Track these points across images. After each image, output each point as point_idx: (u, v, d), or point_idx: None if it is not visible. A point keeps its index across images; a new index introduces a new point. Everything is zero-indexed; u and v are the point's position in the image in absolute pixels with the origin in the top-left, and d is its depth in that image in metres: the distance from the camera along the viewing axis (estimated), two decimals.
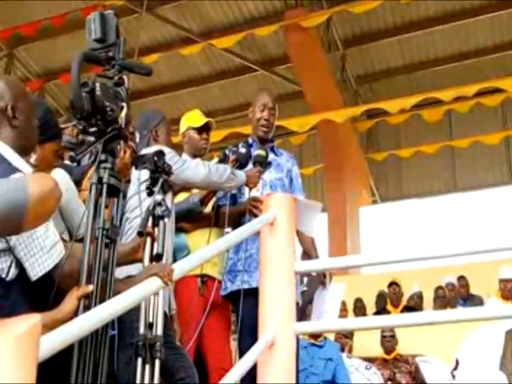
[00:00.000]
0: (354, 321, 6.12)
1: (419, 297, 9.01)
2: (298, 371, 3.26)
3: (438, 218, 14.33)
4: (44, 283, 1.97)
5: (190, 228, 3.85)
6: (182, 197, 3.83)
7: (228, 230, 3.66)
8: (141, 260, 2.46)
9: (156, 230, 2.51)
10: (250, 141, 3.98)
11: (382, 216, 14.96)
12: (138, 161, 2.76)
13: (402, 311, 8.39)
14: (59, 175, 2.62)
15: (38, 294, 1.98)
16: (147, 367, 2.42)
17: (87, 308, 1.94)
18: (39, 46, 13.67)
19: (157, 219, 2.52)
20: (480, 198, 14.17)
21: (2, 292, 1.87)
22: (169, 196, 3.08)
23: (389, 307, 8.72)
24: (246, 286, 3.55)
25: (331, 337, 6.57)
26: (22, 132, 2.12)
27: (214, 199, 3.89)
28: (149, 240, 2.50)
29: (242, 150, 3.84)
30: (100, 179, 2.09)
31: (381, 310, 8.77)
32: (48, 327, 1.72)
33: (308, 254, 3.90)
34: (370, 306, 9.15)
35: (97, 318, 1.86)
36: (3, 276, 1.88)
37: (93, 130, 2.09)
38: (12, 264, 1.92)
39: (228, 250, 3.63)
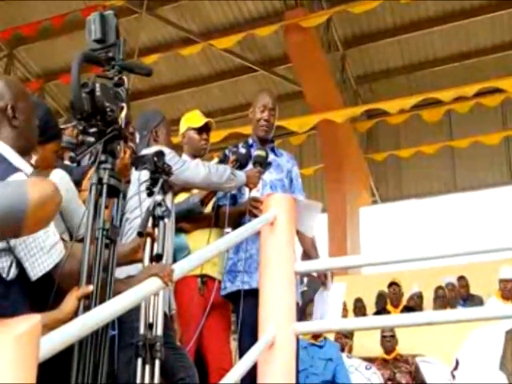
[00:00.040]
0: (354, 321, 6.12)
1: (419, 297, 9.02)
2: (297, 371, 3.26)
3: (438, 219, 14.32)
4: (44, 283, 1.97)
5: (190, 228, 3.85)
6: (182, 197, 3.83)
7: (228, 230, 3.66)
8: (141, 260, 2.46)
9: (156, 230, 2.51)
10: (250, 141, 3.98)
11: (381, 216, 14.95)
12: (138, 161, 2.76)
13: (402, 311, 8.39)
14: (59, 175, 2.62)
15: (38, 295, 1.98)
16: (147, 367, 2.42)
17: (87, 308, 1.94)
18: (39, 46, 13.68)
19: (157, 219, 2.52)
20: (480, 198, 14.17)
21: (3, 291, 1.87)
22: (169, 196, 3.08)
23: (389, 307, 8.72)
24: (246, 287, 3.55)
25: (331, 337, 6.57)
26: (22, 132, 2.12)
27: (214, 199, 3.89)
28: (149, 240, 2.51)
29: (242, 151, 3.84)
30: (100, 180, 2.10)
31: (381, 310, 8.77)
32: (48, 327, 1.72)
33: (308, 254, 3.91)
34: (370, 306, 9.15)
35: (97, 319, 1.87)
36: (4, 276, 1.88)
37: (93, 130, 2.09)
38: (12, 264, 1.92)
39: (228, 250, 3.63)
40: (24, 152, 2.13)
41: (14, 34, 12.71)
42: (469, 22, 12.52)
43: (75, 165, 2.26)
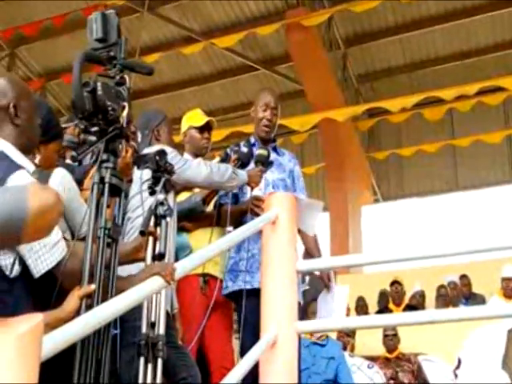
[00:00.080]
0: (356, 319, 6.11)
1: (421, 295, 9.01)
2: (299, 370, 3.26)
3: (440, 217, 14.31)
4: (46, 282, 1.97)
5: (192, 227, 3.85)
6: (183, 196, 3.83)
7: (229, 228, 3.66)
8: (143, 259, 2.46)
9: (158, 229, 2.51)
10: (252, 140, 3.98)
11: (383, 215, 14.95)
12: (139, 160, 2.76)
13: (404, 310, 8.39)
14: (61, 175, 2.62)
15: (40, 293, 1.98)
16: (149, 366, 2.42)
17: (89, 307, 1.94)
18: (41, 45, 13.69)
19: (159, 218, 2.52)
20: (482, 196, 14.16)
21: (6, 288, 1.87)
22: (171, 195, 3.07)
23: (391, 306, 8.72)
24: (248, 287, 3.55)
25: (333, 336, 6.57)
26: (24, 131, 2.12)
27: (215, 198, 3.89)
28: (151, 239, 2.51)
29: (244, 150, 3.84)
30: (102, 179, 2.10)
31: (383, 309, 8.77)
32: (50, 326, 1.73)
33: (310, 252, 3.90)
34: (372, 305, 9.15)
35: (99, 317, 1.87)
36: (7, 273, 1.88)
37: (94, 129, 2.09)
38: (15, 261, 1.93)
39: (229, 249, 3.63)
40: (26, 150, 2.13)
41: (16, 34, 12.72)
42: (470, 20, 12.50)
43: (77, 164, 2.26)
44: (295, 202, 3.33)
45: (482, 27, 12.65)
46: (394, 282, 8.81)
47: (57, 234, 2.03)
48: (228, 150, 3.96)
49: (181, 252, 3.62)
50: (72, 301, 1.93)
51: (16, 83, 2.17)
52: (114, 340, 2.33)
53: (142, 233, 2.33)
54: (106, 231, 2.04)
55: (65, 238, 2.15)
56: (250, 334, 3.26)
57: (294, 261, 3.20)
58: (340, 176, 12.78)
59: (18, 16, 12.33)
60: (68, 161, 3.09)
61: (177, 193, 3.51)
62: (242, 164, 3.79)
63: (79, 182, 2.79)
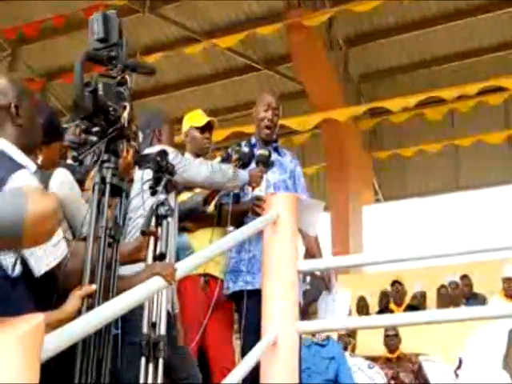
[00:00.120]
0: (357, 319, 6.11)
1: (422, 296, 9.01)
2: (300, 370, 3.26)
3: (441, 217, 14.31)
4: (47, 282, 1.97)
5: (193, 227, 3.86)
6: (185, 196, 3.83)
7: (230, 229, 3.66)
8: (144, 259, 2.47)
9: (159, 229, 2.51)
10: (253, 140, 3.98)
11: (384, 215, 14.94)
12: (141, 160, 2.76)
13: (405, 310, 8.39)
14: (62, 175, 2.62)
15: (41, 294, 1.98)
16: (150, 366, 2.42)
17: (90, 307, 1.94)
18: (42, 45, 13.69)
19: (160, 219, 2.53)
20: (483, 196, 14.15)
21: (8, 288, 1.87)
22: (172, 195, 3.08)
23: (392, 306, 8.72)
24: (249, 287, 3.55)
25: (334, 335, 6.56)
26: (26, 130, 2.12)
27: (216, 198, 3.89)
28: (152, 239, 2.51)
29: (245, 150, 3.84)
30: (103, 179, 2.10)
31: (384, 309, 8.77)
32: (51, 327, 1.73)
33: (311, 253, 3.90)
34: (373, 305, 9.15)
35: (100, 317, 1.87)
36: (9, 272, 1.88)
37: (95, 129, 2.09)
38: (17, 261, 1.93)
39: (230, 250, 3.63)
40: (27, 150, 2.12)
41: (17, 34, 12.72)
42: (471, 20, 12.50)
43: (78, 164, 2.26)
44: (296, 203, 3.33)
45: (483, 27, 12.64)
46: (395, 282, 8.81)
47: (58, 234, 2.03)
48: (229, 150, 3.96)
49: (182, 252, 3.62)
50: (73, 301, 1.93)
51: (17, 83, 2.17)
52: (115, 340, 2.33)
53: (143, 233, 2.34)
54: (107, 231, 2.04)
55: (66, 238, 2.15)
56: (251, 335, 3.26)
57: (294, 261, 3.21)
58: (341, 176, 12.78)
59: (19, 16, 12.33)
60: (69, 161, 3.09)
61: (178, 193, 3.52)
62: (243, 164, 3.79)
63: (80, 183, 2.79)
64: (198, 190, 3.86)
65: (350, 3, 11.41)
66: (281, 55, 13.37)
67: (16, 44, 13.74)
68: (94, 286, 1.96)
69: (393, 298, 8.82)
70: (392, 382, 6.42)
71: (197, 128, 4.05)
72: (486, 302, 8.29)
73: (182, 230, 3.75)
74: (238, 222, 3.66)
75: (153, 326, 2.52)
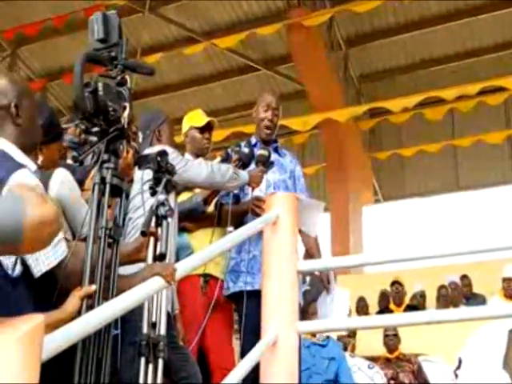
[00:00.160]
0: (357, 320, 6.11)
1: (422, 296, 9.01)
2: (300, 371, 3.26)
3: (441, 217, 14.31)
4: (47, 283, 1.97)
5: (193, 228, 3.86)
6: (184, 196, 3.83)
7: (230, 229, 3.66)
8: (144, 260, 2.47)
9: (159, 229, 2.51)
10: (253, 140, 3.98)
11: (384, 215, 14.95)
12: (141, 161, 2.76)
13: (405, 310, 8.39)
14: (62, 175, 2.62)
15: (41, 294, 1.98)
16: (150, 366, 2.42)
17: (90, 308, 1.94)
18: (42, 46, 13.70)
19: (160, 219, 2.52)
20: (482, 197, 14.16)
21: (8, 288, 1.87)
22: (172, 196, 3.08)
23: (391, 306, 8.72)
24: (248, 288, 3.55)
25: (334, 336, 6.57)
26: (26, 130, 2.12)
27: (216, 198, 3.89)
28: (152, 240, 2.51)
29: (245, 150, 3.84)
30: (103, 179, 2.10)
31: (383, 309, 8.77)
32: (51, 327, 1.73)
33: (310, 253, 3.90)
34: (373, 305, 9.15)
35: (100, 318, 1.87)
36: (9, 272, 1.88)
37: (95, 130, 2.09)
38: (17, 261, 1.93)
39: (230, 250, 3.63)
40: (27, 150, 2.13)
41: (17, 34, 12.73)
42: (471, 20, 12.51)
43: (78, 164, 2.26)
44: (296, 203, 3.33)
45: (483, 27, 12.65)
46: (395, 283, 8.81)
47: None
48: (229, 151, 3.96)
49: (182, 252, 3.63)
50: (73, 301, 1.93)
51: (17, 83, 2.17)
52: (114, 340, 2.33)
53: (143, 233, 2.34)
54: (107, 231, 2.04)
55: (66, 239, 2.15)
56: (251, 335, 3.26)
57: (294, 261, 3.21)
58: (341, 176, 12.78)
59: (19, 16, 12.34)
60: (69, 161, 3.09)
61: (178, 193, 3.52)
62: (243, 164, 3.79)
63: (80, 183, 2.80)
64: (197, 191, 3.86)
65: (350, 3, 11.42)
66: (281, 55, 13.39)
67: (16, 44, 13.74)
68: (93, 287, 1.96)
69: (392, 298, 8.82)
70: (391, 382, 6.43)
71: (197, 128, 4.05)
72: (486, 302, 8.28)
73: (182, 230, 3.75)
74: (238, 223, 3.66)
75: (153, 326, 2.52)
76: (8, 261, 1.91)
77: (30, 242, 1.55)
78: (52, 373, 1.73)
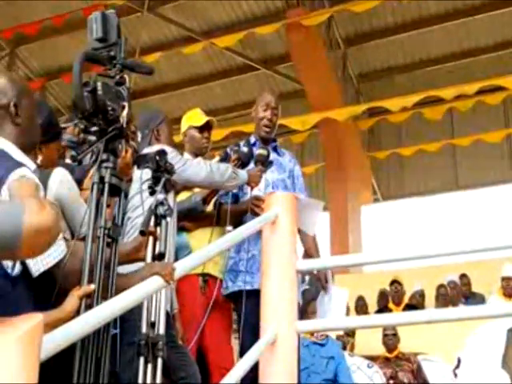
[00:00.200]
0: (356, 319, 6.11)
1: (421, 295, 9.01)
2: (299, 370, 3.26)
3: (440, 217, 14.31)
4: (46, 282, 1.97)
5: (192, 227, 3.85)
6: (183, 196, 3.83)
7: (229, 228, 3.66)
8: (143, 259, 2.46)
9: (158, 229, 2.51)
10: (253, 140, 3.98)
11: (383, 214, 14.95)
12: (140, 160, 2.76)
13: (404, 309, 8.39)
14: (60, 174, 2.62)
15: (41, 294, 1.98)
16: (149, 366, 2.42)
17: (89, 307, 1.94)
18: (41, 45, 13.69)
19: (159, 218, 2.52)
20: (482, 196, 14.16)
21: (8, 287, 1.87)
22: (171, 195, 3.08)
23: (390, 305, 8.72)
24: (248, 287, 3.55)
25: (333, 335, 6.57)
26: (25, 129, 2.12)
27: (215, 198, 3.89)
28: (151, 239, 2.51)
29: (244, 149, 3.84)
30: (102, 178, 2.10)
31: (382, 309, 8.77)
32: (50, 326, 1.73)
33: (309, 253, 3.90)
34: (372, 305, 9.15)
35: (99, 317, 1.87)
36: (9, 271, 1.88)
37: (94, 129, 2.09)
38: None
39: (229, 249, 3.63)
40: (27, 149, 2.12)
41: (16, 33, 12.73)
42: (470, 20, 12.52)
43: (77, 163, 2.26)
44: (295, 202, 3.33)
45: (481, 27, 12.65)
46: (394, 282, 8.81)
47: None
48: (228, 150, 3.96)
49: (181, 252, 3.62)
50: (72, 301, 1.93)
51: (16, 82, 2.17)
52: (113, 340, 2.33)
53: (142, 232, 2.33)
54: (106, 231, 2.04)
55: (65, 238, 2.15)
56: (250, 334, 3.26)
57: (293, 260, 3.21)
58: (340, 176, 12.78)
59: (18, 16, 12.33)
60: (68, 160, 3.09)
61: (177, 192, 3.52)
62: (242, 164, 3.79)
63: (79, 182, 2.79)
64: (197, 190, 3.86)
65: (348, 3, 11.43)
66: (280, 55, 13.39)
67: (15, 44, 13.74)
68: (92, 286, 1.96)
69: (391, 297, 8.82)
70: (391, 381, 6.43)
71: (196, 128, 4.05)
72: (485, 301, 8.29)
73: (181, 229, 3.75)
74: (237, 222, 3.66)
75: (152, 325, 2.52)
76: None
77: (27, 248, 1.55)
78: (51, 372, 1.73)
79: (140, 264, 2.42)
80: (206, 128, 4.06)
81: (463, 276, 9.07)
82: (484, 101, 11.76)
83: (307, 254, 3.92)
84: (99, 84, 2.07)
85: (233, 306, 3.83)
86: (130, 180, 3.17)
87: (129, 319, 2.70)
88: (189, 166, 3.46)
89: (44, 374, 1.52)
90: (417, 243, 13.23)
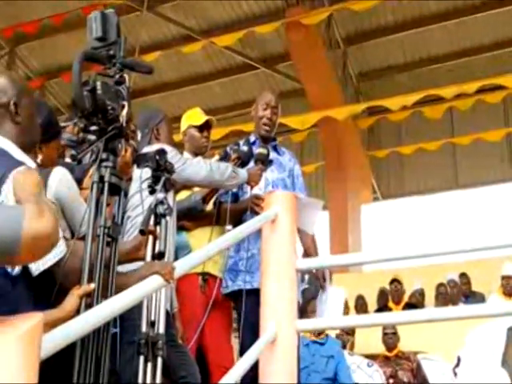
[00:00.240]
0: (356, 318, 6.12)
1: (421, 294, 9.02)
2: (299, 369, 3.26)
3: (440, 216, 14.32)
4: (47, 281, 1.97)
5: (192, 226, 3.85)
6: (183, 195, 3.83)
7: (229, 227, 3.66)
8: (143, 258, 2.47)
9: (158, 228, 2.51)
10: (252, 138, 3.98)
11: (383, 213, 14.95)
12: (139, 159, 2.76)
13: (404, 308, 8.39)
14: (60, 173, 2.62)
15: (41, 293, 1.98)
16: (149, 365, 2.42)
17: (89, 306, 1.94)
18: (40, 44, 13.68)
19: (159, 217, 2.53)
20: (481, 195, 14.16)
21: (8, 286, 1.87)
22: (170, 194, 3.08)
23: (390, 304, 8.73)
24: (248, 287, 3.55)
25: (333, 334, 6.57)
26: (25, 128, 2.12)
27: (215, 197, 3.89)
28: (151, 238, 2.51)
29: (244, 148, 3.84)
30: (101, 178, 2.10)
31: (382, 307, 8.77)
32: (50, 326, 1.73)
33: (308, 252, 3.90)
34: (372, 303, 9.16)
35: (99, 316, 1.87)
36: (9, 270, 1.88)
37: (94, 128, 2.09)
38: None
39: (229, 249, 3.63)
40: (26, 148, 2.12)
41: (16, 32, 12.71)
42: (470, 18, 12.50)
43: (76, 163, 2.26)
44: (295, 201, 3.33)
45: (481, 25, 12.64)
46: (394, 281, 8.81)
47: None
48: (228, 149, 3.96)
49: (180, 251, 3.62)
50: (71, 300, 1.93)
51: (16, 81, 2.17)
52: (113, 339, 2.33)
53: (142, 232, 2.34)
54: (106, 230, 2.04)
55: (65, 237, 2.15)
56: (250, 333, 3.26)
57: (293, 259, 3.21)
58: (340, 175, 12.78)
59: (18, 14, 12.32)
60: (67, 160, 3.09)
61: (176, 192, 3.52)
62: (242, 163, 3.79)
63: (79, 181, 2.79)
64: (196, 189, 3.86)
65: (348, 1, 11.42)
66: (279, 54, 13.38)
67: (14, 43, 13.73)
68: (92, 285, 1.97)
69: (391, 296, 8.83)
70: (390, 380, 6.43)
71: (195, 127, 4.04)
72: (485, 300, 8.29)
73: (181, 228, 3.75)
74: (237, 221, 3.66)
75: (151, 324, 2.52)
76: None
77: (26, 254, 1.55)
78: (51, 371, 1.73)
79: (140, 263, 2.42)
80: (205, 127, 4.06)
81: (463, 275, 9.07)
82: (484, 100, 11.76)
83: (306, 254, 3.92)
84: (99, 83, 2.07)
85: (233, 304, 3.83)
86: (130, 179, 3.17)
87: (129, 318, 2.71)
88: (188, 165, 3.46)
89: (44, 373, 1.51)
90: (417, 242, 13.23)
